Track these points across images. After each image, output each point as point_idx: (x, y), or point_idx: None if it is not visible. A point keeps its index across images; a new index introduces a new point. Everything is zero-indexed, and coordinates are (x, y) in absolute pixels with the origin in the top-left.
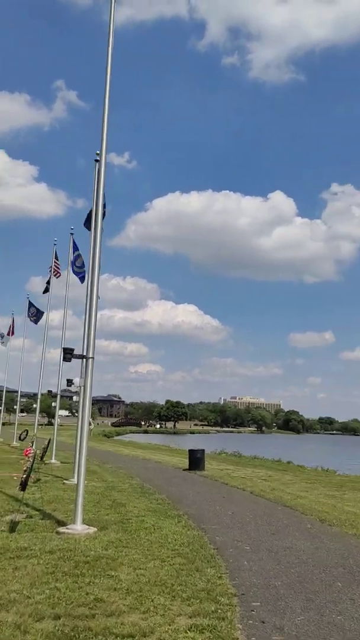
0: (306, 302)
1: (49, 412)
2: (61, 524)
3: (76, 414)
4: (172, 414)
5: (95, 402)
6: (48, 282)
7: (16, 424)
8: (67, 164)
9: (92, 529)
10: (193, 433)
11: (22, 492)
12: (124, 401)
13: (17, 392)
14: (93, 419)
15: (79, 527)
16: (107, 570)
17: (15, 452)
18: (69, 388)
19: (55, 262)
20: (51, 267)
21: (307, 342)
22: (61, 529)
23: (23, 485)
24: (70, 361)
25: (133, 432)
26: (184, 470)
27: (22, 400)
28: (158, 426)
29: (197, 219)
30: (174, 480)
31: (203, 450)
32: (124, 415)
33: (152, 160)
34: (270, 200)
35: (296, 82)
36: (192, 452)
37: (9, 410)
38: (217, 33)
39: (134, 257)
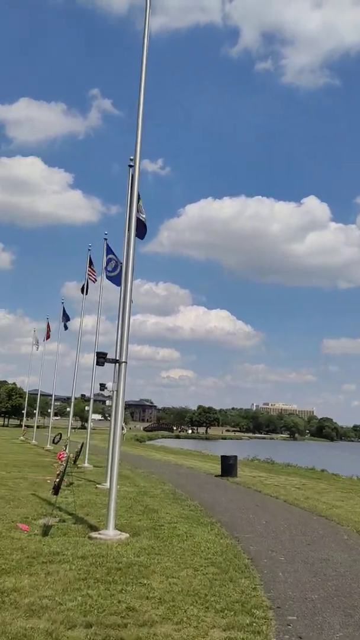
0: (340, 308)
1: (82, 416)
2: (93, 529)
3: (109, 418)
4: (204, 419)
5: (128, 406)
6: (84, 287)
7: (50, 427)
8: (102, 170)
9: (124, 535)
10: (225, 439)
11: (55, 496)
12: (155, 406)
13: (50, 395)
14: (125, 424)
15: (111, 533)
16: (139, 578)
17: (49, 455)
18: (102, 392)
19: (90, 268)
20: (87, 272)
21: (341, 348)
22: (93, 534)
23: (56, 489)
24: (103, 365)
25: (165, 437)
26: (216, 476)
27: (55, 404)
28: (190, 431)
29: (230, 224)
30: (206, 487)
31: (235, 457)
32: (156, 420)
33: (185, 167)
34: (303, 205)
35: (331, 87)
36: (224, 459)
37: (43, 413)
38: (251, 39)
39: (166, 263)
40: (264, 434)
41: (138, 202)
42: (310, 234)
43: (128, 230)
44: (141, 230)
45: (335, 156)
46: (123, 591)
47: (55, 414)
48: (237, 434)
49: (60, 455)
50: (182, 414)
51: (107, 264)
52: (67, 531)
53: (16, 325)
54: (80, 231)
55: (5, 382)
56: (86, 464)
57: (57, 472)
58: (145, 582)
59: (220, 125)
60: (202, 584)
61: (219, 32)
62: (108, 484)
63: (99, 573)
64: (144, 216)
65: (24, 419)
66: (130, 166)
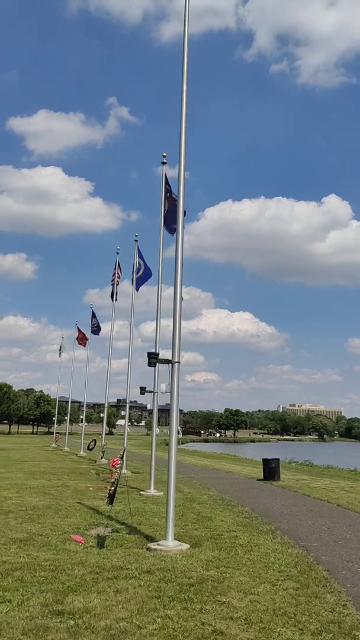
0: None
1: (108, 422)
2: (150, 539)
3: (136, 424)
4: (231, 422)
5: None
6: (113, 292)
7: (82, 434)
8: (121, 177)
9: (185, 546)
10: (253, 442)
11: (110, 505)
12: (181, 410)
13: (76, 402)
14: (151, 428)
15: (170, 544)
16: (216, 595)
17: (83, 462)
18: (161, 391)
19: (118, 270)
20: (116, 275)
21: None
22: (152, 545)
23: (111, 498)
24: (155, 366)
25: (193, 441)
26: (258, 480)
27: (80, 410)
28: (218, 435)
29: (250, 226)
30: (251, 492)
31: (278, 460)
32: (183, 424)
33: (204, 170)
34: (324, 205)
35: (347, 85)
36: (266, 462)
37: (70, 420)
38: (266, 41)
39: (187, 266)
40: (293, 435)
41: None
42: (331, 233)
43: (177, 227)
44: (171, 226)
45: (355, 153)
46: (203, 611)
47: (82, 421)
48: (265, 436)
49: (114, 462)
50: (208, 417)
51: (140, 266)
52: (122, 542)
53: (41, 333)
54: (101, 238)
55: (32, 389)
56: (124, 470)
57: (112, 480)
58: (223, 599)
59: (237, 127)
60: (286, 601)
61: (234, 35)
62: (152, 490)
63: (172, 590)
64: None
65: (55, 425)
66: (164, 163)
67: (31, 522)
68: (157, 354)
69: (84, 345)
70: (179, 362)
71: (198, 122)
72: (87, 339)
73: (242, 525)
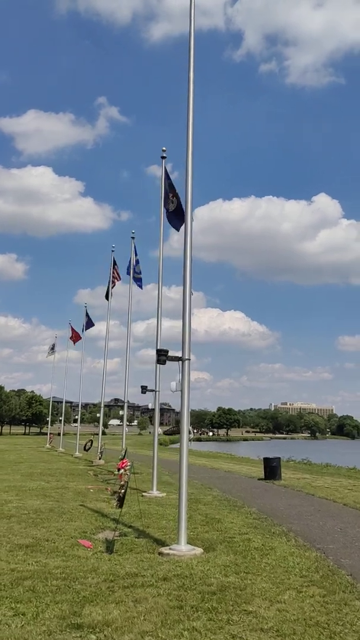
0: (354, 305)
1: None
2: (160, 543)
3: (128, 423)
4: (224, 421)
5: (146, 410)
6: (108, 292)
7: (78, 434)
8: (112, 177)
9: (198, 550)
10: (246, 440)
11: (119, 508)
12: (174, 409)
13: (67, 403)
14: (144, 428)
15: (183, 548)
16: (241, 604)
17: (80, 462)
18: (171, 389)
19: (114, 269)
20: (111, 274)
21: (356, 344)
22: (164, 550)
23: (120, 502)
24: (164, 364)
25: None
26: (259, 479)
27: (72, 410)
28: (211, 434)
29: (240, 225)
30: (255, 491)
31: (279, 459)
32: (175, 423)
33: (194, 169)
34: (314, 203)
35: (336, 85)
36: (267, 461)
37: (61, 420)
38: (254, 41)
39: (178, 266)
40: (285, 434)
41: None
42: (321, 231)
43: (185, 222)
44: (176, 222)
45: (345, 152)
46: (231, 622)
47: (74, 421)
48: (258, 434)
49: (122, 463)
50: (201, 416)
51: (137, 264)
52: (132, 547)
53: (32, 333)
54: (91, 238)
55: (23, 390)
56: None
57: (122, 483)
58: (249, 609)
59: (227, 127)
60: (316, 610)
61: (222, 35)
62: (155, 491)
63: (193, 599)
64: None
65: (48, 426)
66: (163, 157)
67: (35, 526)
68: (167, 351)
69: (74, 344)
70: (189, 360)
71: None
72: (80, 338)
73: (252, 527)
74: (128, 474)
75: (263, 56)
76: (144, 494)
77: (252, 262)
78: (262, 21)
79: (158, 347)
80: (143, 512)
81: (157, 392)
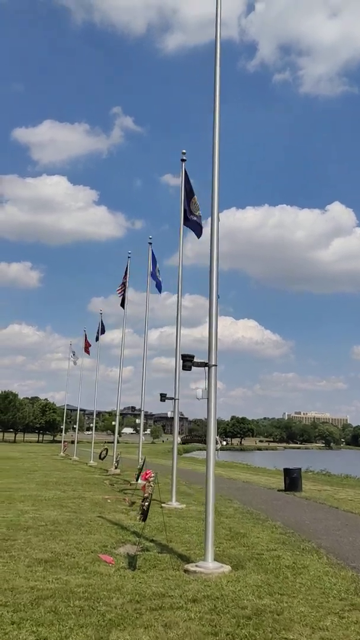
0: None
1: (114, 430)
2: (185, 559)
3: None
4: (237, 430)
5: (159, 419)
6: (123, 299)
7: (92, 442)
8: (126, 186)
9: (226, 567)
10: (260, 449)
11: (143, 522)
12: (187, 418)
13: (80, 410)
14: (157, 437)
15: (210, 565)
16: (280, 631)
17: (95, 471)
18: (197, 397)
19: (125, 277)
20: (126, 281)
21: None
22: (190, 567)
23: (144, 515)
24: (190, 369)
25: (200, 449)
26: (279, 491)
27: (85, 418)
28: (224, 443)
29: (253, 234)
30: (276, 504)
31: (299, 470)
32: (188, 432)
33: (207, 179)
34: (328, 212)
35: (349, 94)
36: (288, 472)
37: (74, 428)
38: (268, 51)
39: (191, 274)
40: (299, 443)
41: (190, 201)
42: (335, 240)
43: (212, 223)
44: (197, 229)
45: (358, 160)
46: None
47: (88, 429)
48: (272, 444)
49: (147, 474)
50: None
51: (154, 269)
52: (155, 562)
53: (46, 341)
54: (105, 247)
55: (37, 398)
56: (140, 480)
57: (145, 495)
58: (290, 636)
59: (241, 136)
60: None
61: (236, 46)
62: (174, 502)
63: (228, 624)
64: (198, 213)
65: (63, 434)
66: (183, 160)
67: (53, 539)
68: (193, 357)
69: (88, 353)
70: (216, 366)
71: (202, 130)
72: (90, 346)
73: (280, 542)
74: (152, 485)
75: (277, 66)
76: (163, 505)
77: (265, 270)
78: (276, 31)
79: (182, 353)
80: (164, 524)
81: (177, 400)
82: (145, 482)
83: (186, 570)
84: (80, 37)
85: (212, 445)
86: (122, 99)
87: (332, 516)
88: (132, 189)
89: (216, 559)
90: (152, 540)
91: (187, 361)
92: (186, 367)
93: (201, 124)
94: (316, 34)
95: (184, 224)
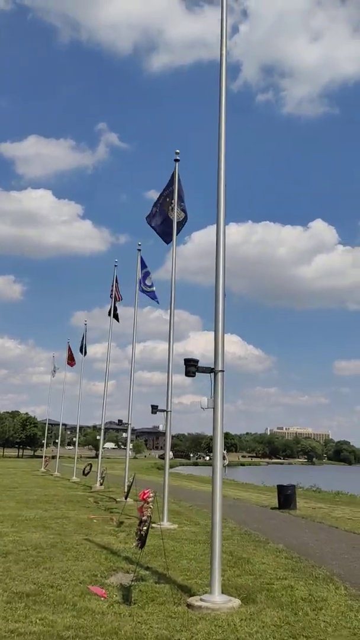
0: (350, 330)
1: (95, 445)
2: (185, 590)
3: (122, 447)
4: None
5: (140, 434)
6: (115, 308)
7: (76, 457)
8: (111, 201)
9: (235, 601)
10: (243, 465)
11: (140, 549)
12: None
13: (60, 425)
14: (139, 452)
15: (217, 599)
16: None
17: (78, 488)
18: (202, 406)
19: (116, 286)
20: (112, 291)
21: (353, 369)
22: (194, 602)
23: (142, 541)
24: (194, 375)
25: (183, 465)
26: (272, 509)
27: (66, 433)
28: (207, 458)
29: (237, 250)
30: (273, 523)
31: (294, 487)
32: (171, 448)
33: (191, 196)
34: (310, 229)
35: (330, 115)
36: (281, 489)
37: (55, 443)
38: (252, 72)
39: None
40: (282, 458)
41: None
42: (317, 256)
43: (217, 223)
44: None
45: (340, 179)
46: None
47: (69, 444)
48: (255, 459)
49: (145, 494)
50: (197, 440)
51: (145, 278)
52: (153, 595)
53: (28, 355)
54: (89, 261)
55: (17, 412)
56: (129, 500)
57: (144, 518)
58: None
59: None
60: None
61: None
62: (166, 522)
63: None
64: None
65: (44, 449)
66: (176, 160)
67: (36, 567)
68: (197, 361)
69: (72, 366)
70: (223, 371)
71: (187, 147)
72: (74, 362)
73: (289, 569)
74: (151, 507)
75: (260, 87)
76: (153, 525)
77: (248, 286)
78: (260, 53)
79: (185, 358)
80: (158, 548)
81: (169, 413)
82: (143, 503)
83: (190, 605)
84: (67, 54)
85: (219, 462)
86: (107, 115)
87: (335, 537)
88: (117, 204)
89: (223, 590)
90: (147, 568)
91: (191, 366)
92: (190, 373)
93: (186, 140)
94: (298, 56)
95: (161, 235)
